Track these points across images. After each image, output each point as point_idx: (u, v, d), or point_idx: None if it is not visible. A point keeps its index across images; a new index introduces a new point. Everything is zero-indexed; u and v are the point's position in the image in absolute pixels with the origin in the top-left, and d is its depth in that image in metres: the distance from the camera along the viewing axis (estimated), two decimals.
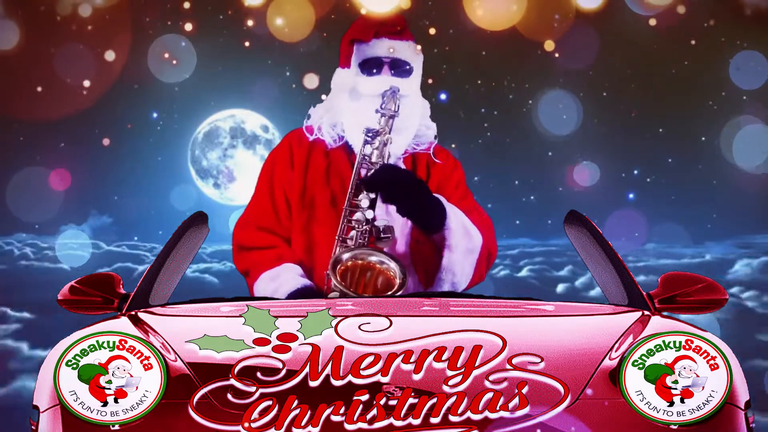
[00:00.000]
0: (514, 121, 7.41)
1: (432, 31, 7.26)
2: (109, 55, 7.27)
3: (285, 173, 4.78)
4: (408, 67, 4.80)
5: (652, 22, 7.31)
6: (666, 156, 7.46)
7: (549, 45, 7.36)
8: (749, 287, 7.34)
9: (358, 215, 4.54)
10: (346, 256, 4.38)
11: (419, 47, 4.86)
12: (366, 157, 4.62)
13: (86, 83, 7.26)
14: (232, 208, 7.35)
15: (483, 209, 4.81)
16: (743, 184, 7.33)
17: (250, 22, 7.28)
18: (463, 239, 4.58)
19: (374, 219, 4.57)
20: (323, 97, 4.98)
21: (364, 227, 4.53)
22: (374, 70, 4.78)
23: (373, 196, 4.49)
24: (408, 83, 4.78)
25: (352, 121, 4.77)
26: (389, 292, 4.29)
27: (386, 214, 4.64)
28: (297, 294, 4.49)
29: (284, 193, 4.76)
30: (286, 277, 4.60)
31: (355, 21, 4.98)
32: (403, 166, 4.77)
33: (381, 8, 4.79)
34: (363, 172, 4.63)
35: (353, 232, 4.55)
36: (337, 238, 4.57)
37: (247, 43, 7.29)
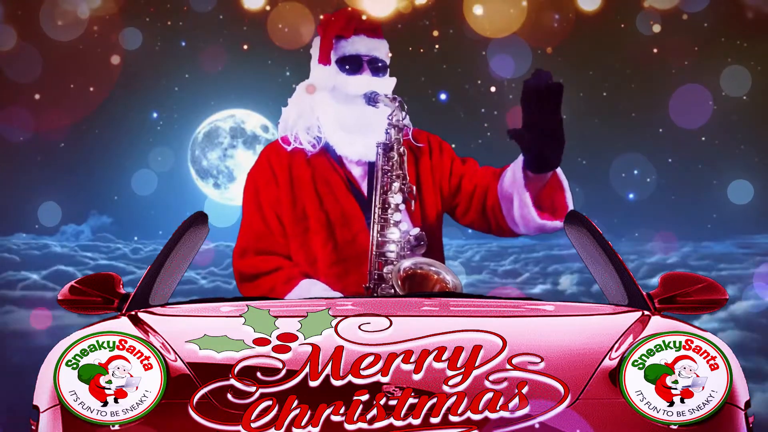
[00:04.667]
0: (513, 121, 7.40)
1: (433, 32, 7.26)
2: (114, 59, 7.28)
3: (271, 191, 4.72)
4: (381, 64, 4.79)
5: (656, 28, 7.31)
6: (666, 156, 7.46)
7: (549, 45, 7.36)
8: None
9: (391, 228, 4.55)
10: (407, 263, 4.42)
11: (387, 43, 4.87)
12: (386, 171, 4.61)
13: (85, 84, 7.27)
14: (232, 208, 7.35)
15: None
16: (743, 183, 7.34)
17: (250, 21, 7.29)
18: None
19: (407, 229, 4.61)
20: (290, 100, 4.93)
21: (402, 239, 4.54)
22: (349, 68, 4.76)
23: (399, 234, 4.53)
24: (385, 82, 4.77)
25: (332, 119, 4.73)
26: None
27: (405, 221, 4.65)
28: None
29: (275, 212, 4.70)
30: (314, 293, 4.56)
31: (332, 15, 4.92)
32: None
33: (380, 13, 4.79)
34: (386, 184, 4.62)
35: (389, 245, 4.55)
36: (372, 252, 4.55)
37: (245, 46, 7.30)
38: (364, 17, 4.90)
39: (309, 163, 4.75)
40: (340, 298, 4.38)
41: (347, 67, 4.75)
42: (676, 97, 7.34)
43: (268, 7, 7.24)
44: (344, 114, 4.71)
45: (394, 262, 4.51)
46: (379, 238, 4.55)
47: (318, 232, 4.67)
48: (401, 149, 4.62)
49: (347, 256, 4.63)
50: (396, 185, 4.57)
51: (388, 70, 4.81)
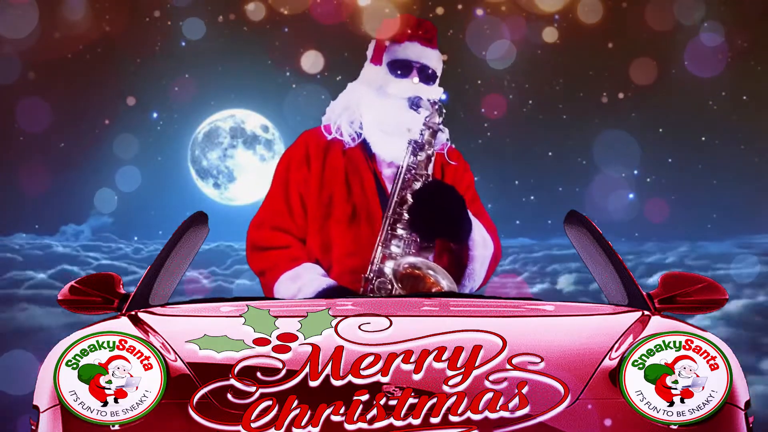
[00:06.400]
0: (514, 121, 7.41)
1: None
2: (114, 60, 7.29)
3: (301, 173, 4.79)
4: (431, 72, 4.84)
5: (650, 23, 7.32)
6: (666, 156, 7.47)
7: (549, 46, 7.36)
8: None
9: (401, 225, 4.57)
10: (407, 261, 4.43)
11: (444, 57, 4.92)
12: (411, 168, 4.64)
13: (86, 83, 7.27)
14: (232, 208, 7.36)
15: (488, 213, 4.88)
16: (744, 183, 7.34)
17: (249, 21, 7.30)
18: (482, 249, 4.65)
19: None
20: (349, 85, 4.97)
21: (411, 236, 4.56)
22: (399, 72, 4.81)
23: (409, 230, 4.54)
24: (432, 91, 4.82)
25: (373, 118, 4.78)
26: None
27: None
28: (324, 294, 4.48)
29: (299, 194, 4.77)
30: (309, 277, 4.59)
31: (390, 20, 5.00)
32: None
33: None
34: (408, 180, 4.64)
35: (397, 241, 4.57)
36: (378, 244, 4.58)
37: (245, 47, 7.30)
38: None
39: (344, 154, 4.81)
40: (339, 299, 4.39)
41: (398, 71, 4.80)
42: (691, 45, 7.33)
43: (268, 27, 7.26)
44: (385, 114, 4.75)
45: (397, 258, 4.52)
46: (389, 232, 4.58)
47: (340, 222, 4.72)
48: (431, 151, 4.66)
49: (362, 251, 4.65)
50: (418, 184, 4.61)
51: (438, 79, 4.86)
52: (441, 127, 4.66)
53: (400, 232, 4.56)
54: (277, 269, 4.65)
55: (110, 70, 7.27)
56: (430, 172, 4.66)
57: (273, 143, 7.45)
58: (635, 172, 7.42)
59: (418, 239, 4.55)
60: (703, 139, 7.41)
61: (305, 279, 4.58)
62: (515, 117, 7.39)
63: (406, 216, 4.55)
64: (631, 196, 7.44)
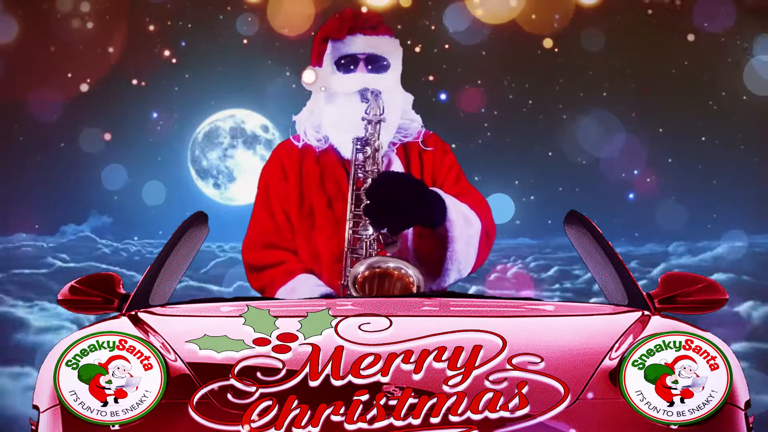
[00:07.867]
0: (514, 121, 7.41)
1: (432, 29, 7.27)
2: (114, 59, 7.28)
3: (280, 187, 4.79)
4: (385, 62, 4.78)
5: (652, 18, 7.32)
6: (666, 156, 7.46)
7: (548, 44, 7.36)
8: None
9: (362, 225, 4.55)
10: (362, 267, 4.39)
11: (397, 40, 4.84)
12: (359, 166, 4.62)
13: (86, 83, 7.27)
14: (232, 208, 7.36)
15: (476, 189, 4.82)
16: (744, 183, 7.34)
17: (249, 22, 7.30)
18: (464, 228, 4.58)
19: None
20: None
21: (372, 236, 4.54)
22: (351, 67, 4.76)
23: (372, 230, 4.48)
24: (385, 78, 4.75)
25: (332, 121, 4.76)
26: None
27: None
28: None
29: (282, 207, 4.77)
30: (304, 289, 4.61)
31: (328, 19, 4.95)
32: (396, 159, 4.76)
33: (380, 2, 4.77)
34: (359, 180, 4.62)
35: (360, 243, 4.56)
36: (346, 250, 4.57)
37: (246, 42, 7.30)
38: (364, 8, 4.90)
39: (318, 161, 4.81)
40: (338, 298, 4.39)
41: (346, 67, 4.77)
42: (691, 45, 7.31)
43: (268, 38, 7.26)
44: (340, 113, 4.73)
45: (359, 263, 4.49)
46: (352, 235, 4.57)
47: (323, 228, 4.72)
48: (377, 144, 4.62)
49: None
50: (370, 181, 4.57)
51: (391, 64, 4.79)
52: (383, 117, 4.61)
53: (361, 233, 4.55)
54: (273, 285, 4.67)
55: (110, 70, 7.26)
56: (379, 166, 4.62)
57: (273, 143, 7.44)
58: (635, 172, 7.42)
59: (380, 236, 4.53)
60: (703, 139, 7.40)
61: (301, 291, 4.59)
62: (515, 117, 7.38)
63: (365, 216, 4.52)
64: (631, 196, 7.43)
